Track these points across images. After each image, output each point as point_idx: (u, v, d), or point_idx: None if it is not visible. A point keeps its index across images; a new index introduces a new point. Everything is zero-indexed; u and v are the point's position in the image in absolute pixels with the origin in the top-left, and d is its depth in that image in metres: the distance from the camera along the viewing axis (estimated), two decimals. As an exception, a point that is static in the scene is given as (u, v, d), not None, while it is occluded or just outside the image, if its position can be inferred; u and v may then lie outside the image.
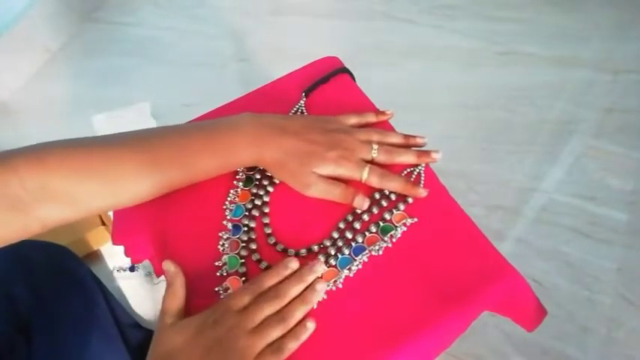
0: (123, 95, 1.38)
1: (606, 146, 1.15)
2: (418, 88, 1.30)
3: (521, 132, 1.19)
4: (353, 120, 0.58)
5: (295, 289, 0.48)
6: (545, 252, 1.03)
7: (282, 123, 0.53)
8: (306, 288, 0.49)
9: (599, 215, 1.06)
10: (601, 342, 0.93)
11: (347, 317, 0.49)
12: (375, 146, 0.54)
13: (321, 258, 0.52)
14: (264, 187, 0.58)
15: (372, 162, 0.55)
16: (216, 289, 0.52)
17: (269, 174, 0.58)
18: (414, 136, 0.58)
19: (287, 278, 0.49)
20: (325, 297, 0.50)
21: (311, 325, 0.47)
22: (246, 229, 0.55)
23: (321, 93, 0.65)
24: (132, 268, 1.09)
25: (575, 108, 1.21)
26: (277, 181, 0.58)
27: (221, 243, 0.55)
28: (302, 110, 0.63)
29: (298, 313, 0.47)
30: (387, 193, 0.55)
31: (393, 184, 0.54)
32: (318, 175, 0.53)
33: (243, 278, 0.52)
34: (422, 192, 0.54)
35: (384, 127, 0.61)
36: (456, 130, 1.21)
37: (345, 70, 0.67)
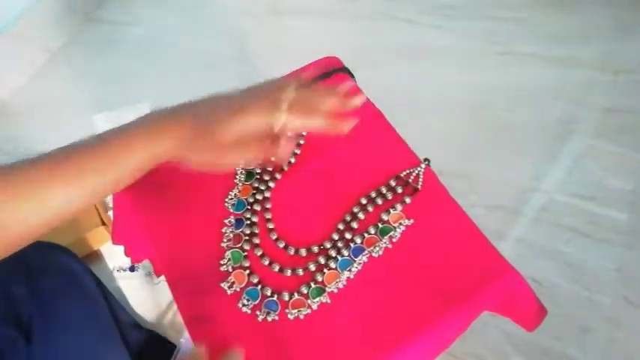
0: (123, 95, 1.38)
1: (606, 146, 1.15)
2: (418, 88, 1.30)
3: (521, 132, 1.19)
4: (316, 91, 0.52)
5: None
6: (545, 252, 1.03)
7: (181, 105, 0.49)
8: None
9: (599, 215, 1.06)
10: (601, 342, 0.93)
11: (347, 318, 0.49)
12: (292, 87, 0.49)
13: (321, 260, 0.52)
14: (266, 181, 0.58)
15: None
16: (222, 284, 0.52)
17: (269, 168, 0.58)
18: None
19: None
20: (328, 300, 0.50)
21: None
22: (248, 222, 0.56)
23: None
24: (132, 268, 1.09)
25: (575, 108, 1.21)
26: (278, 176, 0.58)
27: (225, 237, 0.55)
28: None
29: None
30: (384, 191, 0.55)
31: (317, 121, 0.49)
32: (234, 138, 0.47)
33: (248, 271, 0.53)
34: (357, 100, 0.50)
35: (377, 119, 0.61)
36: (456, 130, 1.21)
37: (344, 70, 0.67)
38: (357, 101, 0.50)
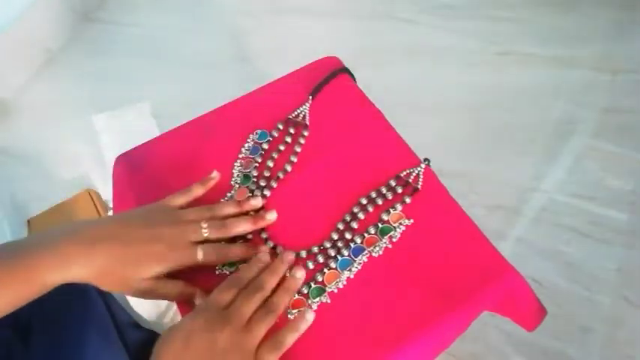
0: (123, 95, 1.38)
1: (606, 146, 1.15)
2: (418, 88, 1.30)
3: (520, 132, 1.19)
4: (180, 200, 0.53)
5: (273, 280, 0.49)
6: (545, 252, 1.03)
7: (92, 231, 0.47)
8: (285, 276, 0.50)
9: (599, 215, 1.06)
10: (601, 342, 0.93)
11: (347, 318, 0.49)
12: (204, 224, 0.50)
13: (320, 259, 0.52)
14: (261, 187, 0.58)
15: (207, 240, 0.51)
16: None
17: (266, 174, 0.58)
18: (248, 200, 0.55)
19: (262, 271, 0.50)
20: (328, 300, 0.50)
21: (310, 317, 0.47)
22: None
23: (321, 94, 0.65)
24: (132, 268, 1.09)
25: (574, 108, 1.21)
26: (281, 176, 0.58)
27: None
28: (305, 113, 0.63)
29: (283, 301, 0.48)
30: (384, 191, 0.55)
31: (233, 252, 0.51)
32: (150, 279, 0.47)
33: None
34: (270, 217, 0.54)
35: (377, 119, 0.61)
36: (456, 130, 1.21)
37: (345, 71, 0.67)
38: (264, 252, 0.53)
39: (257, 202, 0.55)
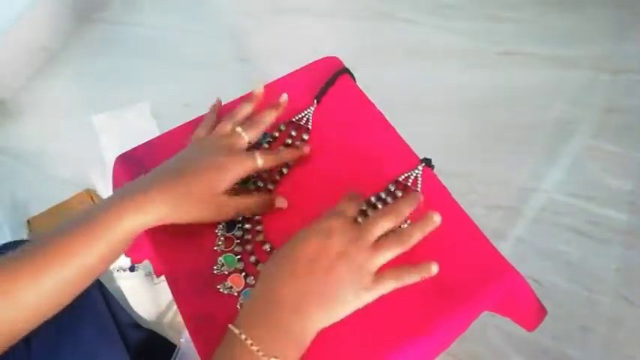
0: (123, 95, 1.38)
1: (606, 146, 1.15)
2: (418, 88, 1.30)
3: (520, 132, 1.19)
4: (228, 126, 0.57)
5: (408, 211, 0.49)
6: (544, 252, 1.03)
7: (157, 173, 0.51)
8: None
9: (598, 215, 1.06)
10: (601, 342, 0.93)
11: (347, 318, 0.49)
12: (239, 128, 0.56)
13: None
14: (260, 188, 0.58)
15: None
16: (218, 287, 0.52)
17: (264, 175, 0.58)
18: (257, 94, 0.60)
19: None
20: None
21: (437, 219, 0.47)
22: (240, 225, 0.56)
23: (322, 94, 0.65)
24: (132, 268, 1.09)
25: (574, 108, 1.21)
26: (278, 178, 0.58)
27: (217, 240, 0.55)
28: (309, 117, 0.63)
29: (415, 237, 0.47)
30: (383, 196, 0.55)
31: (287, 154, 0.58)
32: (225, 194, 0.52)
33: (244, 273, 0.53)
34: (305, 149, 0.59)
35: (379, 123, 0.61)
36: (456, 130, 1.21)
37: (345, 71, 0.67)
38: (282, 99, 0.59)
39: (283, 98, 0.60)
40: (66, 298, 0.47)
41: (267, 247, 0.54)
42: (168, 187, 0.49)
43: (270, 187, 0.58)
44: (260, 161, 0.54)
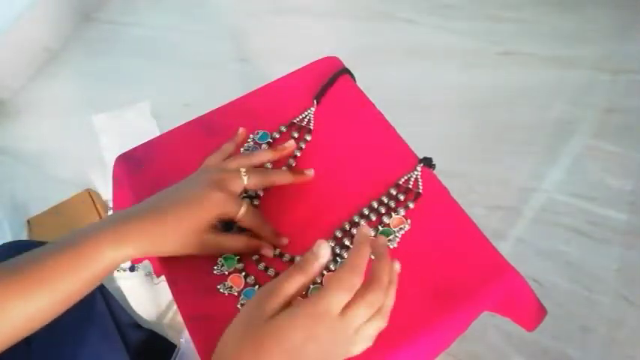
0: (123, 95, 1.38)
1: (606, 146, 1.15)
2: (418, 88, 1.30)
3: (521, 132, 1.19)
4: (216, 158, 0.56)
5: (390, 292, 0.44)
6: (545, 252, 1.03)
7: (141, 206, 0.50)
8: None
9: (598, 215, 1.06)
10: (601, 342, 0.93)
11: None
12: (243, 170, 0.53)
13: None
14: (251, 198, 0.58)
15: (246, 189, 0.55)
16: (218, 287, 0.52)
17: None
18: (283, 146, 0.58)
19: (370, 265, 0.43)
20: None
21: (397, 267, 0.45)
22: (238, 225, 0.56)
23: (322, 94, 0.65)
24: (132, 268, 1.09)
25: (574, 108, 1.21)
26: (261, 194, 0.58)
27: None
28: (310, 118, 0.63)
29: (391, 301, 0.44)
30: (386, 201, 0.55)
31: (277, 177, 0.56)
32: (212, 232, 0.51)
33: (243, 273, 0.53)
34: (308, 173, 0.57)
35: (377, 119, 0.61)
36: (456, 130, 1.21)
37: (346, 71, 0.67)
38: (309, 174, 0.57)
39: (290, 144, 0.58)
40: (36, 325, 0.46)
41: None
42: (147, 221, 0.48)
43: (260, 193, 0.58)
44: (243, 210, 0.52)
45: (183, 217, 0.49)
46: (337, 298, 0.40)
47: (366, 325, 0.42)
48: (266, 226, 0.54)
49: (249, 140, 0.62)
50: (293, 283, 0.41)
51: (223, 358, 0.41)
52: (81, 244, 0.46)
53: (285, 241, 0.54)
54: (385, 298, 0.43)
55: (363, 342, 0.43)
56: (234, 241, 0.53)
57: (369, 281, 0.42)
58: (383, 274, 0.43)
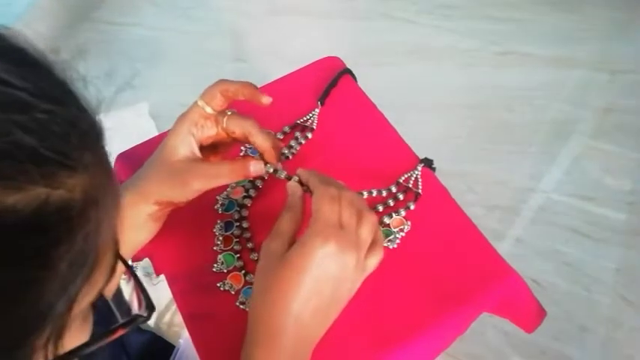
0: (122, 95, 1.38)
1: (604, 146, 1.15)
2: (417, 88, 1.30)
3: (519, 132, 1.19)
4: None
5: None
6: (543, 252, 1.03)
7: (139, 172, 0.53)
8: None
9: (597, 215, 1.06)
10: (600, 342, 0.93)
11: (347, 317, 0.49)
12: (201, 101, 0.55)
13: None
14: (258, 188, 0.58)
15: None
16: (218, 285, 0.52)
17: (265, 176, 0.58)
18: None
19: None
20: None
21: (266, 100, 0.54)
22: (237, 224, 0.56)
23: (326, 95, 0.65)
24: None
25: (573, 108, 1.21)
26: (260, 186, 0.58)
27: (216, 239, 0.55)
28: (314, 119, 0.63)
29: (363, 202, 0.46)
30: (386, 200, 0.55)
31: (249, 122, 0.54)
32: (188, 160, 0.51)
33: (243, 271, 0.53)
34: (265, 99, 0.55)
35: (377, 119, 0.61)
36: (455, 130, 1.21)
37: (347, 71, 0.67)
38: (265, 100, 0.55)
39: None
40: None
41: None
42: (144, 168, 0.52)
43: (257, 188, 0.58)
44: (229, 114, 0.54)
45: (159, 148, 0.52)
46: (334, 212, 0.43)
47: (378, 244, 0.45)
48: (254, 124, 0.54)
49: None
50: (285, 221, 0.45)
51: (255, 307, 0.43)
52: None
53: (267, 100, 0.55)
54: (343, 191, 0.45)
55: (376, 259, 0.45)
56: (218, 167, 0.51)
57: (321, 195, 0.45)
58: (321, 183, 0.46)
